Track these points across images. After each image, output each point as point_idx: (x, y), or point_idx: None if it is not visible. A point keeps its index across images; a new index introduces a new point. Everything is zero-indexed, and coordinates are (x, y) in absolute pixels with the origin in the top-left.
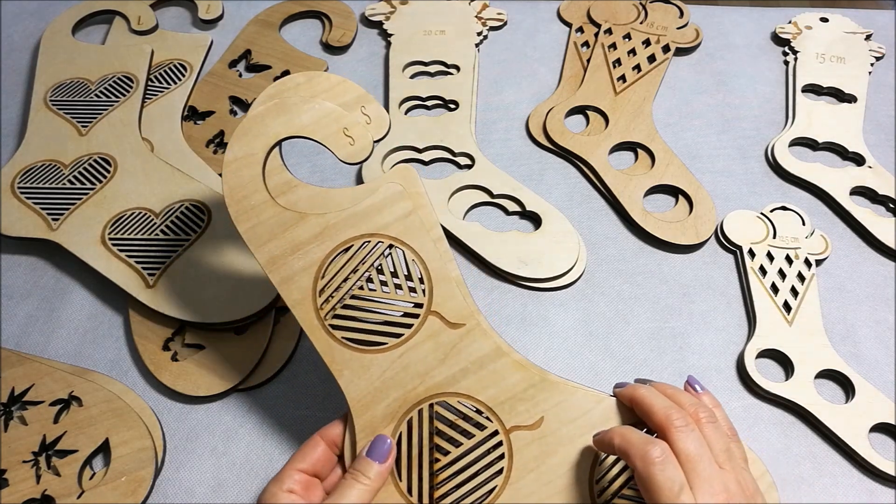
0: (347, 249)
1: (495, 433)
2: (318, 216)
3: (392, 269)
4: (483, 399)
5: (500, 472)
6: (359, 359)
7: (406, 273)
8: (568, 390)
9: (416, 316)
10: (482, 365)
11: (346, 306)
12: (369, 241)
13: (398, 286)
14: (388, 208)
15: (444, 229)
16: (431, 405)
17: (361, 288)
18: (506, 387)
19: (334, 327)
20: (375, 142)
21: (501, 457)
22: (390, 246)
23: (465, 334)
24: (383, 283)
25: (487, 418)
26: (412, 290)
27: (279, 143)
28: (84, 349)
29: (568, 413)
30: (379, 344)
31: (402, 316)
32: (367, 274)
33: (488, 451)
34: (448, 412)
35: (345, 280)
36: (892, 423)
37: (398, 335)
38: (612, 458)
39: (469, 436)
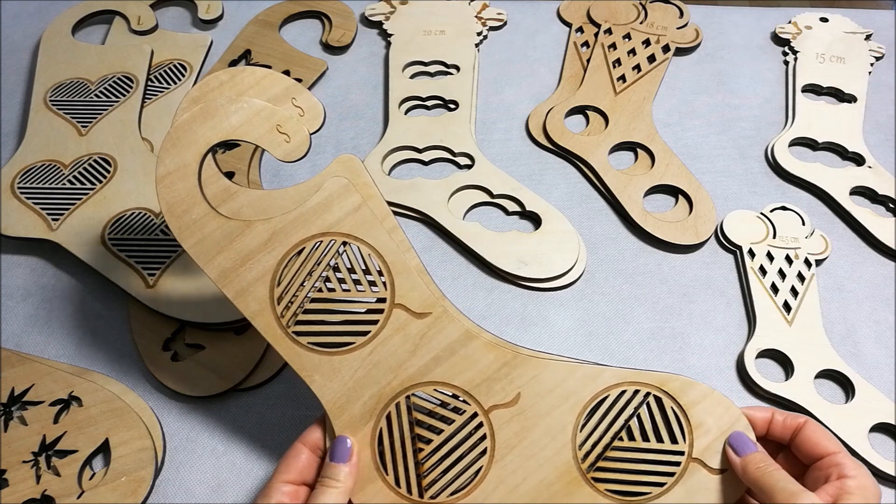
0: (300, 252)
1: (475, 415)
2: (265, 222)
3: (349, 267)
4: (458, 384)
5: (483, 452)
6: (328, 362)
7: (364, 268)
8: (541, 364)
9: (380, 311)
10: (453, 350)
11: (307, 311)
12: (321, 241)
13: (358, 283)
14: (336, 204)
15: (444, 229)
16: (408, 397)
17: (320, 290)
18: (480, 369)
19: (298, 333)
20: (312, 134)
21: (483, 437)
22: (344, 243)
23: (433, 322)
24: (342, 282)
25: (465, 402)
26: (373, 284)
27: (212, 151)
28: (84, 349)
29: (544, 385)
30: (346, 344)
31: (366, 313)
32: (323, 275)
33: (470, 434)
34: (425, 402)
35: (302, 284)
36: (892, 423)
37: (365, 333)
38: (593, 422)
39: (449, 422)
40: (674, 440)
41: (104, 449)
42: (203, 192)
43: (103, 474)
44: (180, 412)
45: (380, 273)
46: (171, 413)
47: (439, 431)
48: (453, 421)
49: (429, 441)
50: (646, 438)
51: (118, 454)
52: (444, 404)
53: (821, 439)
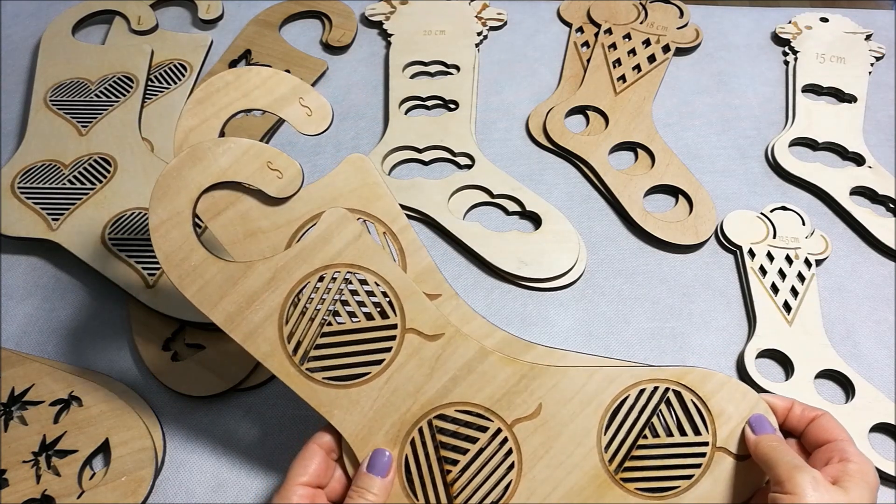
0: (305, 288)
1: (499, 431)
2: (266, 261)
3: (357, 297)
4: (479, 402)
5: (511, 466)
6: (345, 395)
7: (372, 297)
8: (559, 372)
9: (392, 338)
10: (470, 369)
11: (318, 346)
12: (325, 275)
13: (367, 312)
14: (336, 235)
15: (444, 229)
16: (430, 421)
17: (330, 324)
18: (498, 384)
19: (312, 370)
20: (319, 134)
21: (510, 452)
22: (348, 273)
23: (447, 343)
24: (351, 313)
25: (488, 419)
26: (382, 313)
27: (203, 194)
28: (84, 349)
29: (563, 393)
30: (362, 375)
31: (378, 341)
32: (331, 308)
33: (496, 450)
34: (448, 423)
35: (310, 320)
36: (892, 423)
37: (380, 361)
38: (616, 423)
39: (474, 440)
40: (697, 432)
41: (104, 449)
42: (200, 239)
43: (103, 474)
44: (180, 412)
45: (388, 299)
46: (171, 413)
47: (465, 451)
48: (478, 439)
49: (456, 462)
50: (670, 434)
51: (118, 454)
52: (467, 424)
53: (832, 427)
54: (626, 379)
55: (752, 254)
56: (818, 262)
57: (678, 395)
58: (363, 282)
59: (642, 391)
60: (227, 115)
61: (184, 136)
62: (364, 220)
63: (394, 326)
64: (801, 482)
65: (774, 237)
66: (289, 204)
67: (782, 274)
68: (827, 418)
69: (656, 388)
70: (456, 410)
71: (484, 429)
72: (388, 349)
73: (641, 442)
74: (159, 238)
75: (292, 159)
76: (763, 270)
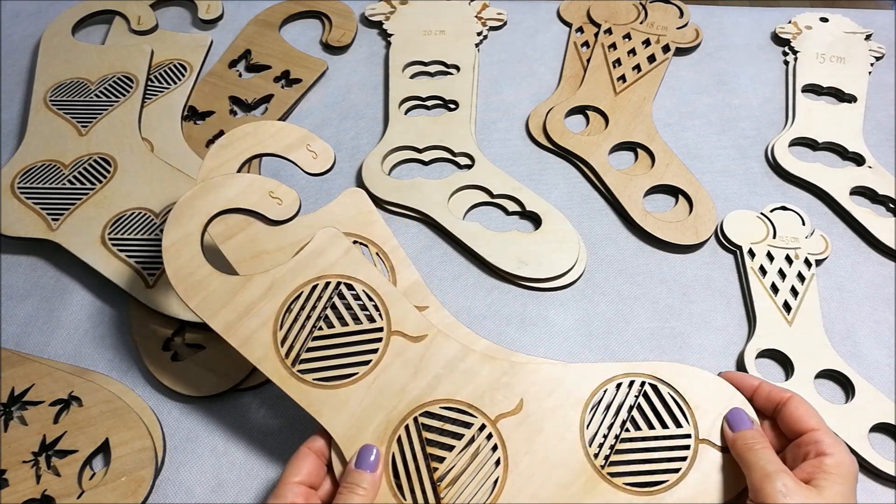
0: (298, 297)
1: (483, 427)
2: (263, 274)
3: (346, 303)
4: (462, 398)
5: (497, 462)
6: (334, 395)
7: (360, 303)
8: (537, 368)
9: (379, 339)
10: (453, 367)
11: (310, 349)
12: (317, 284)
13: (355, 317)
14: (329, 250)
15: (444, 229)
16: (416, 418)
17: (321, 328)
18: (480, 381)
19: (303, 372)
20: (322, 174)
21: (495, 448)
22: (339, 283)
23: (430, 344)
24: (340, 318)
25: (472, 415)
26: (369, 317)
27: (212, 220)
28: (84, 349)
29: (543, 388)
30: (350, 375)
31: (366, 343)
32: (323, 314)
33: (482, 446)
34: (433, 420)
35: (303, 325)
36: (892, 423)
37: (367, 362)
38: (597, 417)
39: (459, 437)
40: (678, 424)
41: (104, 449)
42: (205, 256)
43: (103, 474)
44: (180, 412)
45: (375, 306)
46: (171, 413)
47: (451, 448)
48: (463, 435)
49: (442, 459)
50: (651, 427)
51: (118, 454)
52: (452, 420)
53: (802, 415)
54: (601, 373)
55: (752, 254)
56: (818, 262)
57: (655, 388)
58: (352, 291)
59: (619, 385)
60: (244, 158)
61: (206, 174)
62: (360, 243)
63: (380, 329)
64: (771, 492)
65: (774, 237)
66: (293, 230)
67: (782, 274)
68: (797, 402)
69: (633, 382)
70: (440, 407)
71: (468, 425)
72: (375, 350)
73: (625, 436)
74: (170, 257)
75: (290, 189)
76: (763, 270)
